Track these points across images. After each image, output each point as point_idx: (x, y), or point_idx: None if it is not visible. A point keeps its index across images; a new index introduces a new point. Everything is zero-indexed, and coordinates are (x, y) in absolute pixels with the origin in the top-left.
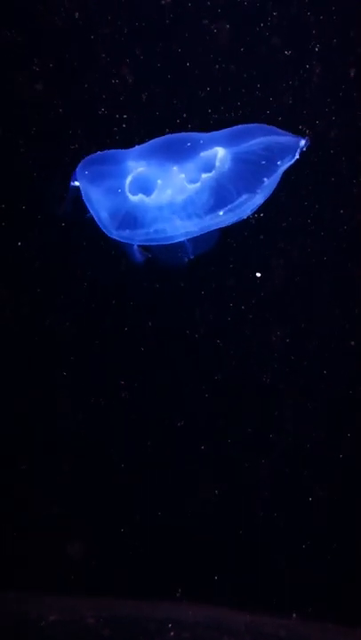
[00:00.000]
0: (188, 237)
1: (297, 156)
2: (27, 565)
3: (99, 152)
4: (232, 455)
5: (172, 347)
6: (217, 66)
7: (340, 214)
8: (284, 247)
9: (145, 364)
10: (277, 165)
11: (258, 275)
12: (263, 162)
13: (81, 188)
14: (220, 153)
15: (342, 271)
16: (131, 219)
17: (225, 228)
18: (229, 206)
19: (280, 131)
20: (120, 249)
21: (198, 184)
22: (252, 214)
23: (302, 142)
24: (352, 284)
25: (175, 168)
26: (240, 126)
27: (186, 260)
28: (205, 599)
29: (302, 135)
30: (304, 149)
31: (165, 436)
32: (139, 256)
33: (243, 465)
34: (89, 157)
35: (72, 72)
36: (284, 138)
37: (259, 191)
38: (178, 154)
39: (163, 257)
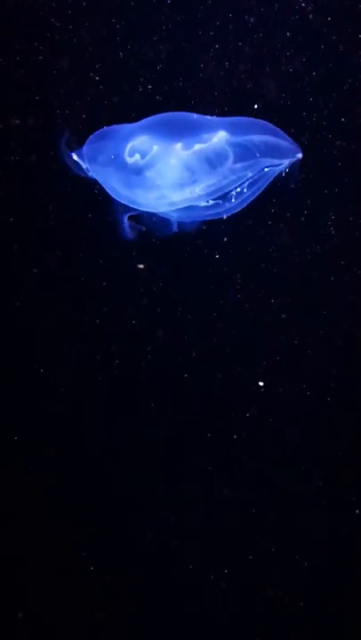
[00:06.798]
0: (180, 212)
1: (294, 161)
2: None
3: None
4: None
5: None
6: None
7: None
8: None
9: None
10: (270, 166)
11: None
12: (258, 155)
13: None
14: (220, 134)
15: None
16: (127, 185)
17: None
18: (223, 185)
19: (284, 134)
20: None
21: (192, 153)
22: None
23: (300, 155)
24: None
25: (175, 144)
26: (247, 118)
27: (174, 233)
28: None
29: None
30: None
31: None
32: (130, 230)
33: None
34: (95, 134)
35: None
36: (285, 143)
37: (250, 176)
38: (181, 130)
39: (153, 230)
